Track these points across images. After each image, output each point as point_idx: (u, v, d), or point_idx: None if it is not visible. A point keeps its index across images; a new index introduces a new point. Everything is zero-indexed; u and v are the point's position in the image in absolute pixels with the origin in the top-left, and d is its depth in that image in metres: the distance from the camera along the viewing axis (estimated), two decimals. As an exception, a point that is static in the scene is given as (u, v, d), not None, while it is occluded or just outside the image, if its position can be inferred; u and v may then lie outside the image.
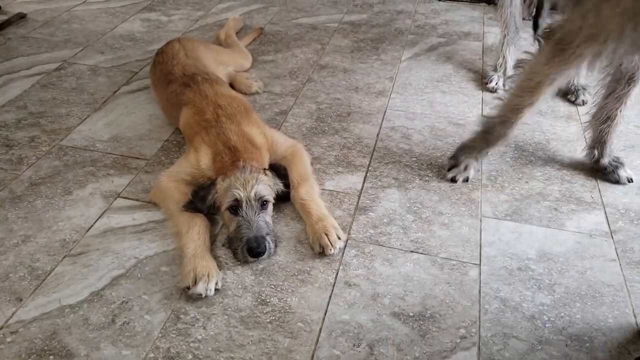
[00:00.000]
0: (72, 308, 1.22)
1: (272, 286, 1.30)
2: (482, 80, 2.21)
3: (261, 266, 1.35)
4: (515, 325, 1.22)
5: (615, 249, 1.43)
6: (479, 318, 1.24)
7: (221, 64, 2.05)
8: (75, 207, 1.51)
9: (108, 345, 1.15)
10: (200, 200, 1.43)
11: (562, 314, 1.25)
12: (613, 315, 1.25)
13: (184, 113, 1.62)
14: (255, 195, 1.37)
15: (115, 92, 2.06)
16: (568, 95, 2.09)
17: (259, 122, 1.60)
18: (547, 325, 1.23)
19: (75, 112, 1.93)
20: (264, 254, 1.32)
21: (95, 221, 1.46)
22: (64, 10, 2.74)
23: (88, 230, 1.44)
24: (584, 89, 2.06)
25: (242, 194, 1.36)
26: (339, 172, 1.69)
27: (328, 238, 1.36)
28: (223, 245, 1.41)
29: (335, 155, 1.76)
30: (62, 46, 2.38)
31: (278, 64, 2.31)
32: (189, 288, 1.24)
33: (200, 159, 1.48)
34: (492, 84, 2.13)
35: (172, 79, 1.76)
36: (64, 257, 1.35)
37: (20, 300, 1.24)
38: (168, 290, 1.28)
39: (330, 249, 1.35)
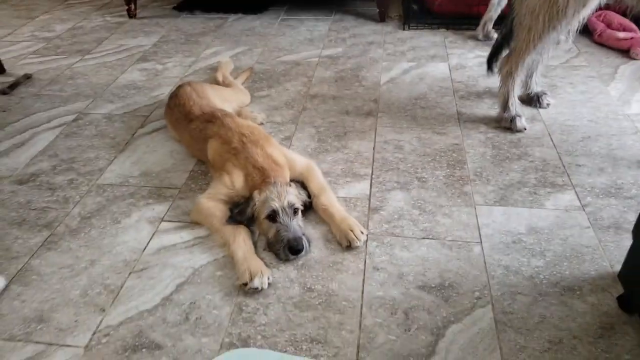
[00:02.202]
0: (150, 312, 1.47)
1: (313, 277, 1.59)
2: (454, 95, 2.63)
3: (301, 262, 1.64)
4: (518, 285, 1.55)
5: (588, 218, 1.80)
6: (489, 282, 1.56)
7: (226, 101, 2.36)
8: (127, 233, 1.77)
9: (188, 337, 1.40)
10: (239, 214, 1.72)
11: (555, 272, 1.59)
12: (594, 269, 1.60)
13: (211, 145, 1.91)
14: (288, 203, 1.67)
15: (134, 134, 2.35)
16: (532, 104, 2.51)
17: (277, 145, 1.92)
18: (543, 282, 1.56)
19: (102, 155, 2.20)
20: (302, 251, 1.62)
21: (148, 242, 1.72)
22: (65, 67, 3.02)
23: (144, 250, 1.69)
24: (544, 93, 2.50)
25: (277, 204, 1.66)
26: (347, 181, 2.02)
27: (353, 233, 1.67)
28: (264, 250, 1.70)
29: (342, 169, 2.09)
30: (73, 99, 2.65)
31: (273, 97, 2.66)
32: (246, 284, 1.51)
33: (234, 181, 1.78)
34: None
35: (192, 117, 2.06)
36: (129, 274, 1.60)
37: (104, 310, 1.48)
38: (227, 289, 1.54)
39: (357, 242, 1.66)
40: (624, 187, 1.95)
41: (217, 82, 2.63)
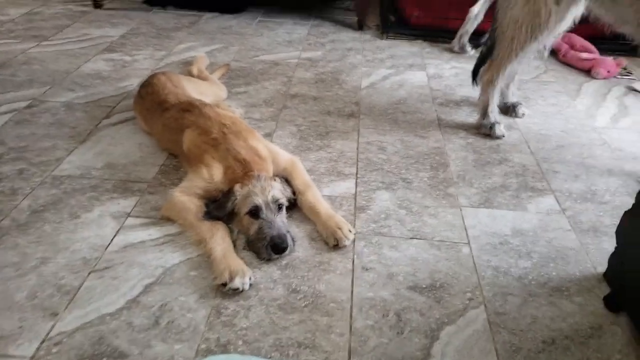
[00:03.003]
0: (113, 315, 1.28)
1: (298, 277, 1.45)
2: (433, 101, 2.60)
3: (284, 262, 1.50)
4: (508, 285, 1.49)
5: (569, 222, 1.78)
6: (480, 283, 1.48)
7: (202, 94, 2.21)
8: (87, 228, 1.57)
9: (159, 343, 1.22)
10: (217, 208, 1.57)
11: (542, 273, 1.54)
12: (579, 270, 1.56)
13: (188, 135, 1.75)
14: (272, 198, 1.54)
15: (97, 125, 2.14)
16: (508, 113, 2.51)
17: (261, 138, 1.79)
18: (532, 283, 1.51)
19: (60, 145, 1.98)
20: (287, 249, 1.48)
21: (112, 239, 1.53)
22: (19, 52, 2.76)
23: (107, 247, 1.50)
24: (520, 104, 2.51)
25: (261, 199, 1.52)
26: (332, 180, 1.91)
27: (342, 232, 1.55)
28: (244, 249, 1.55)
29: (325, 167, 1.98)
30: (27, 85, 2.41)
31: (251, 94, 2.52)
32: (225, 284, 1.35)
33: (213, 173, 1.62)
34: None
35: (167, 106, 1.90)
36: (89, 273, 1.40)
37: (56, 315, 1.27)
38: (202, 290, 1.38)
39: (345, 241, 1.55)
40: (597, 192, 1.95)
41: (191, 76, 2.47)
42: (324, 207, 1.65)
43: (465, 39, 3.22)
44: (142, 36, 3.14)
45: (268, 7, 3.85)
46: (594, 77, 3.03)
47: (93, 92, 2.40)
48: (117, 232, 1.56)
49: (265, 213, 1.51)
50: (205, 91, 2.26)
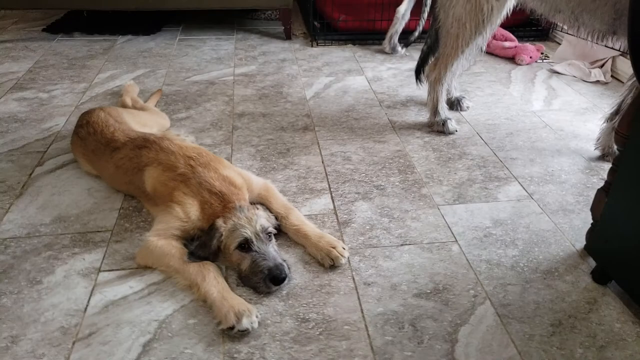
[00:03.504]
0: (115, 386, 1.20)
1: (304, 305, 1.46)
2: (380, 105, 2.72)
3: (284, 292, 1.50)
4: (504, 276, 1.61)
5: (538, 205, 1.96)
6: (478, 279, 1.59)
7: (145, 126, 2.13)
8: (55, 293, 1.44)
9: (177, 405, 1.16)
10: (201, 248, 1.52)
11: (531, 259, 1.68)
12: (561, 250, 1.73)
13: (150, 174, 1.68)
14: (261, 228, 1.53)
15: (31, 175, 1.97)
16: (453, 107, 2.70)
17: (231, 165, 1.76)
18: (525, 269, 1.64)
19: (-8, 204, 1.80)
20: (286, 278, 1.48)
21: (89, 300, 1.42)
22: None
23: (85, 310, 1.39)
24: (463, 97, 2.71)
25: (250, 231, 1.50)
26: (307, 198, 1.93)
27: (336, 250, 1.58)
28: (238, 285, 1.51)
29: (296, 186, 2.00)
30: None
31: (195, 119, 2.47)
32: (232, 328, 1.32)
33: (188, 211, 1.57)
34: None
35: (117, 145, 1.80)
36: (73, 343, 1.30)
37: (49, 399, 1.16)
38: (208, 337, 1.33)
39: (341, 260, 1.57)
40: (554, 173, 2.17)
41: (127, 107, 2.36)
42: (311, 227, 1.67)
43: (396, 39, 3.41)
44: (52, 69, 2.93)
45: (185, 24, 3.79)
46: (518, 64, 3.36)
47: (13, 139, 2.21)
48: (92, 291, 1.46)
49: (256, 245, 1.50)
50: (147, 122, 2.18)
